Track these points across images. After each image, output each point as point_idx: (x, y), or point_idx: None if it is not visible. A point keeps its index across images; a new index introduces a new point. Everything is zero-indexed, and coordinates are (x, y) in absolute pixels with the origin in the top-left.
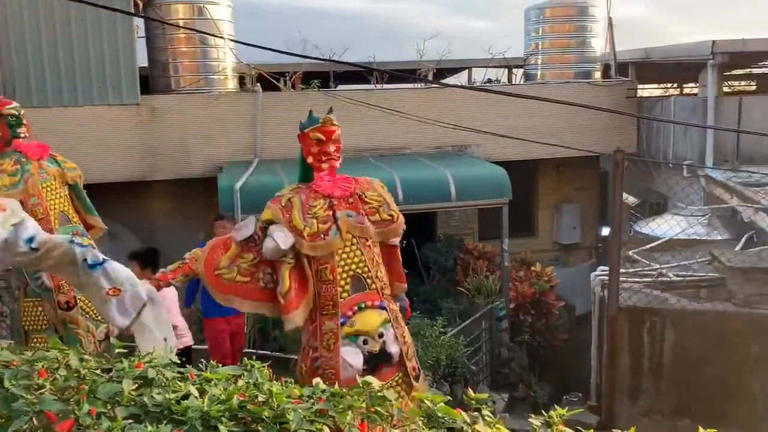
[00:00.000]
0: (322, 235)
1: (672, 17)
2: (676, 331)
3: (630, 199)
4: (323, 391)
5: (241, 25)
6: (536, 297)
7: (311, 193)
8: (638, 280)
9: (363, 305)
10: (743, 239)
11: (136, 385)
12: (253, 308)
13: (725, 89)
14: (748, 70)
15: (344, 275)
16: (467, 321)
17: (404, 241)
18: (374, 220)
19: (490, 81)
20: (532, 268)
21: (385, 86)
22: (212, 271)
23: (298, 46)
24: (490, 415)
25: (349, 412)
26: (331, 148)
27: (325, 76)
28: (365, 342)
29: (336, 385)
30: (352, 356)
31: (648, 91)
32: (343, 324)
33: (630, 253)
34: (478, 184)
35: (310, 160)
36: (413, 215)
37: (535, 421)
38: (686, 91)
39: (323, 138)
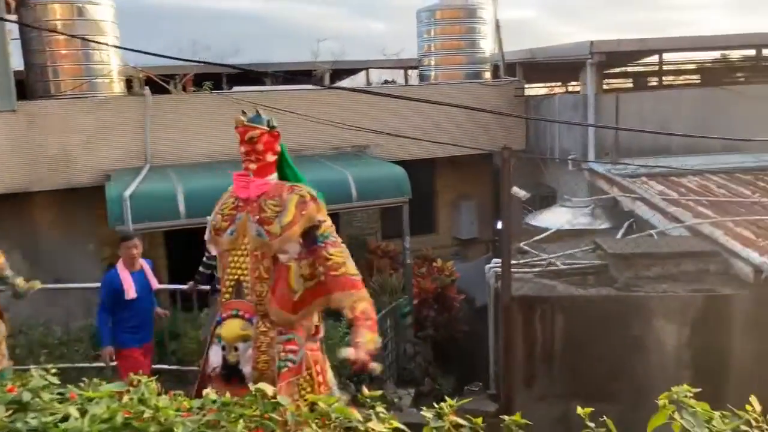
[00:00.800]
0: (221, 232)
1: (557, 19)
2: (565, 316)
3: (522, 193)
4: (214, 401)
5: (130, 26)
6: (438, 292)
7: (230, 191)
8: (529, 270)
9: (236, 312)
10: (624, 227)
11: (10, 411)
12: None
13: (605, 87)
14: (625, 68)
15: (230, 278)
16: None
17: None
18: (266, 230)
19: (387, 82)
20: (434, 264)
21: (281, 87)
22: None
23: (190, 47)
24: (384, 411)
25: (241, 420)
26: (243, 149)
27: (219, 78)
28: (224, 348)
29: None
30: (213, 355)
31: (535, 89)
32: (217, 324)
33: (521, 244)
34: (378, 184)
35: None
36: None
37: (427, 413)
38: (570, 89)
39: (239, 138)
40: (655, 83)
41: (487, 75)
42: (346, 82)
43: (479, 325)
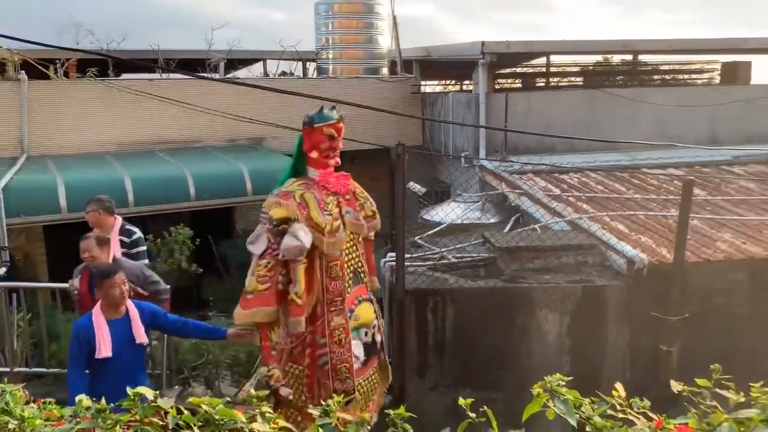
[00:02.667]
0: (335, 233)
1: (454, 17)
2: (456, 308)
3: (418, 188)
4: (88, 408)
5: (3, 4)
6: None
7: (321, 190)
8: (422, 263)
9: (360, 298)
10: (511, 222)
11: None
12: (268, 317)
13: (496, 86)
14: (515, 69)
15: (348, 271)
16: None
17: (198, 239)
18: (363, 216)
19: (284, 74)
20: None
21: (172, 76)
22: (243, 303)
23: (72, 30)
24: (270, 411)
25: (117, 427)
26: (329, 145)
27: (104, 64)
28: (365, 333)
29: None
30: (357, 348)
31: (431, 87)
32: (349, 318)
33: (416, 238)
34: (275, 177)
35: (315, 155)
36: (208, 211)
37: (314, 410)
38: (464, 87)
39: (336, 134)
40: (542, 84)
41: (385, 71)
42: (242, 73)
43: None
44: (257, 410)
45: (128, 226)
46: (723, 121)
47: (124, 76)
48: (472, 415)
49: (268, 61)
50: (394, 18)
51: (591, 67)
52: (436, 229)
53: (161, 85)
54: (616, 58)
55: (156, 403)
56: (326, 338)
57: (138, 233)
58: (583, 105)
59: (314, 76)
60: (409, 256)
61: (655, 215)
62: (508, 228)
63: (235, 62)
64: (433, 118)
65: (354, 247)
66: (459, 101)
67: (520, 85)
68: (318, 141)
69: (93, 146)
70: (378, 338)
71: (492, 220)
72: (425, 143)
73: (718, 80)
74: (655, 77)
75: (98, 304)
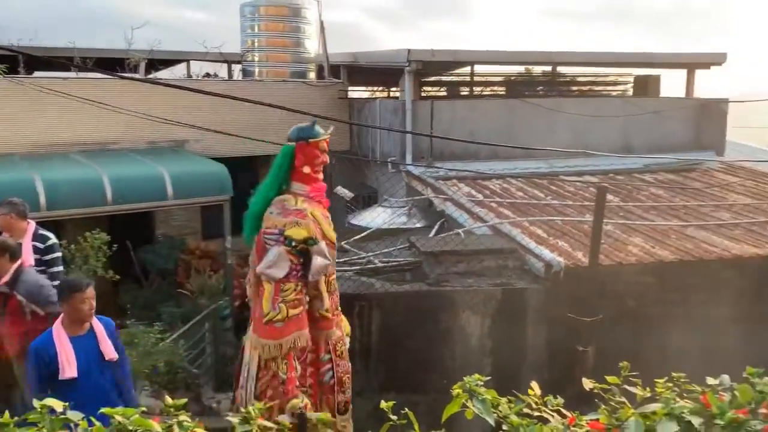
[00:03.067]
0: (335, 245)
1: (382, 24)
2: (382, 312)
3: (346, 193)
4: None
5: None
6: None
7: (318, 204)
8: (348, 268)
9: (338, 308)
10: (436, 226)
11: None
12: (305, 341)
13: (423, 93)
14: (440, 77)
15: (333, 284)
16: (189, 324)
17: (116, 244)
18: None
19: (208, 75)
20: (242, 270)
21: (89, 75)
22: (258, 324)
23: None
24: (189, 419)
25: None
26: (321, 160)
27: (15, 61)
28: (347, 343)
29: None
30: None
31: (359, 92)
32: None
33: (343, 243)
34: (197, 181)
35: (307, 170)
36: (126, 216)
37: (234, 418)
38: (392, 94)
39: (327, 149)
40: (467, 93)
41: (312, 75)
42: (164, 74)
43: None
44: (174, 420)
45: (42, 231)
46: (635, 131)
47: (37, 74)
48: (394, 417)
49: (191, 62)
50: (322, 22)
51: (513, 77)
52: (363, 234)
53: (76, 85)
54: (538, 69)
55: (65, 415)
56: (330, 353)
57: (53, 239)
58: (505, 114)
59: (240, 78)
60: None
61: (571, 220)
62: (433, 233)
63: (156, 62)
64: (361, 123)
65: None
66: (386, 107)
67: (445, 93)
68: (313, 156)
69: (1, 146)
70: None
71: (418, 225)
72: (353, 148)
73: (631, 92)
74: (573, 88)
75: (58, 320)
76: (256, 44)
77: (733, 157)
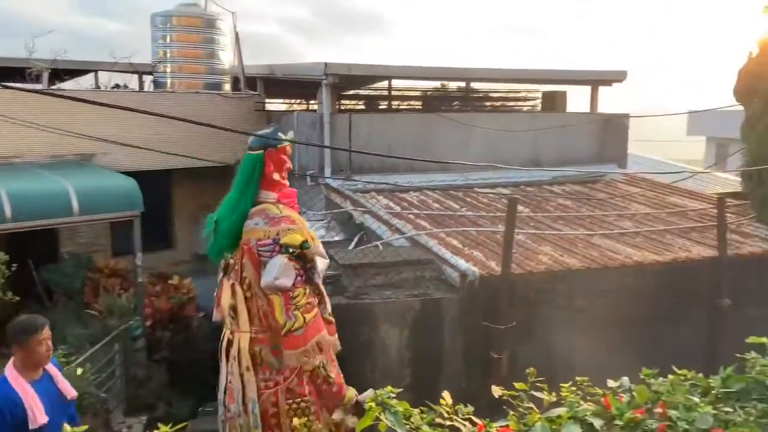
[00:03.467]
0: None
1: (301, 38)
2: None
3: None
4: None
5: None
6: (174, 311)
7: (292, 210)
8: None
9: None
10: (355, 239)
11: None
12: (326, 341)
13: (342, 107)
14: (359, 91)
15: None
16: (97, 346)
17: (16, 264)
18: None
19: (117, 86)
20: (169, 281)
21: None
22: (280, 336)
23: None
24: None
25: None
26: (287, 166)
27: None
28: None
29: None
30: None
31: (276, 105)
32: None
33: None
34: (105, 196)
35: (277, 176)
36: (28, 234)
37: None
38: (311, 107)
39: (286, 157)
40: (384, 107)
41: (227, 87)
42: (69, 84)
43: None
44: None
45: None
46: (544, 145)
47: None
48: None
49: (99, 72)
50: (237, 34)
51: (430, 93)
52: None
53: None
54: (453, 85)
55: None
56: (327, 359)
57: None
58: (422, 127)
59: (151, 89)
60: None
61: (485, 231)
62: (352, 245)
63: (61, 72)
64: (286, 138)
65: None
66: (304, 120)
67: (364, 107)
68: (281, 162)
69: None
70: None
71: (337, 238)
72: None
73: (539, 108)
74: (486, 103)
75: (10, 367)
76: (168, 55)
77: (634, 170)
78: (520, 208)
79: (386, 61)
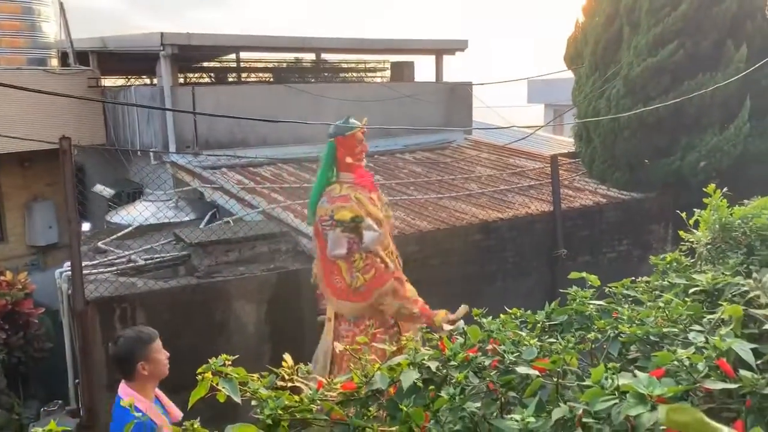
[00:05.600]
0: (384, 224)
1: (144, 13)
2: (147, 312)
3: (106, 190)
4: None
5: None
6: (9, 309)
7: (363, 189)
8: (105, 270)
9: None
10: (207, 217)
11: None
12: (389, 290)
13: (189, 81)
14: (208, 64)
15: (392, 257)
16: None
17: None
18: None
19: None
20: (1, 277)
21: None
22: (346, 293)
23: None
24: None
25: None
26: (359, 149)
27: None
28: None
29: None
30: None
31: (112, 80)
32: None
33: (100, 243)
34: None
35: (349, 159)
36: None
37: None
38: (156, 82)
39: (362, 138)
40: (234, 79)
41: (55, 62)
42: None
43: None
44: None
45: None
46: (394, 114)
47: None
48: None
49: None
50: (61, 3)
51: (279, 65)
52: (124, 232)
53: None
54: (304, 57)
55: None
56: (393, 319)
57: None
58: (272, 100)
59: None
60: (90, 263)
61: None
62: (204, 224)
63: None
64: (115, 113)
65: (390, 238)
66: (143, 95)
67: (213, 81)
68: (352, 146)
69: None
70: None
71: (187, 218)
72: (110, 142)
73: (389, 78)
74: (337, 74)
75: (124, 389)
76: None
77: (478, 135)
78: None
79: (228, 31)
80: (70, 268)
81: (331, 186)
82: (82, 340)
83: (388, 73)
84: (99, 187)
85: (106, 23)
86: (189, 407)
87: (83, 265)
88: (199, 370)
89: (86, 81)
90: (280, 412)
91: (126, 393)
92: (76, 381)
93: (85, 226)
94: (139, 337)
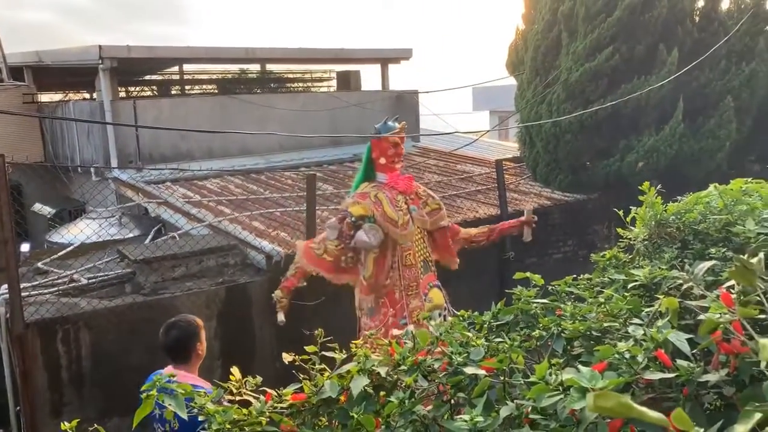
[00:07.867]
0: (406, 226)
1: (84, 28)
2: (91, 333)
3: (45, 209)
4: None
5: None
6: None
7: (391, 190)
8: (45, 291)
9: (431, 284)
10: (152, 233)
11: None
12: (336, 279)
13: (131, 95)
14: (147, 77)
15: (419, 259)
16: None
17: None
18: (427, 212)
19: None
20: None
21: None
22: (308, 246)
23: None
24: None
25: None
26: (393, 152)
27: None
28: (439, 315)
29: None
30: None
31: (49, 96)
32: (424, 300)
33: (40, 264)
34: None
35: (383, 161)
36: None
37: None
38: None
39: (399, 142)
40: (178, 92)
41: None
42: None
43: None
44: None
45: None
46: (341, 123)
47: None
48: None
49: None
50: None
51: (224, 76)
52: (64, 251)
53: None
54: (249, 68)
55: None
56: (406, 319)
57: None
58: (217, 111)
59: None
60: (28, 285)
61: (288, 211)
62: (149, 239)
63: None
64: (53, 129)
65: (422, 240)
66: (82, 110)
67: (155, 94)
68: (385, 149)
69: None
70: (449, 319)
71: (131, 234)
72: (49, 159)
73: (335, 87)
74: (283, 85)
75: (179, 368)
76: None
77: (426, 142)
78: (324, 186)
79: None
80: (7, 290)
81: (363, 184)
82: (23, 365)
83: (334, 82)
84: (38, 206)
85: (47, 38)
86: (134, 425)
87: (22, 287)
88: (144, 387)
89: (21, 97)
90: (228, 426)
91: (184, 377)
92: (17, 408)
93: (24, 247)
94: (195, 322)
